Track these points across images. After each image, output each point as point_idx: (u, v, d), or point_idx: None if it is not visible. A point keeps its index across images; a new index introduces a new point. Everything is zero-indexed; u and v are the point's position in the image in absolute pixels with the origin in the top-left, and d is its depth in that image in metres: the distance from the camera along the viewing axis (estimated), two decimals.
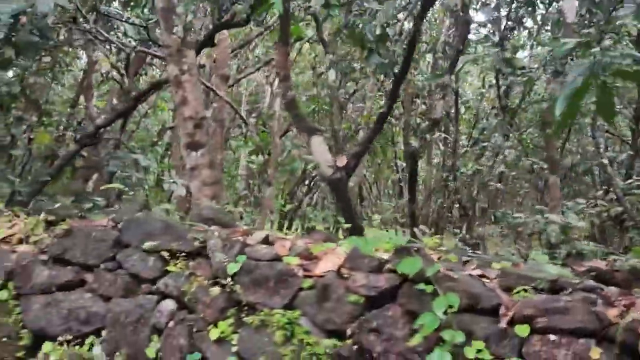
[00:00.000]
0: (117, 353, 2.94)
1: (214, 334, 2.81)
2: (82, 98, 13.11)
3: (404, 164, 12.37)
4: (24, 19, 3.67)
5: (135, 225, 3.26)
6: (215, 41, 5.53)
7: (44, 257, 3.43)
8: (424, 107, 11.00)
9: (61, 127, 13.55)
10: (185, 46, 3.97)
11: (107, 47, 8.63)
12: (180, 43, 3.94)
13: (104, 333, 3.10)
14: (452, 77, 4.97)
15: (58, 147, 12.14)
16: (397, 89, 4.12)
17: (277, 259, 2.89)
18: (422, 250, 2.56)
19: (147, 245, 3.11)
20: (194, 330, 2.88)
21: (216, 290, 2.82)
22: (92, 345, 3.13)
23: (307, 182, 14.74)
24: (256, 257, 2.90)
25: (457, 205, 8.14)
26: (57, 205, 3.80)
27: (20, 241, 3.61)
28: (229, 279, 2.85)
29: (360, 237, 3.05)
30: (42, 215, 3.73)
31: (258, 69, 10.34)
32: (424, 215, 11.20)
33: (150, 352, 2.92)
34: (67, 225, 3.41)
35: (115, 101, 10.41)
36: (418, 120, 12.52)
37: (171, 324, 2.94)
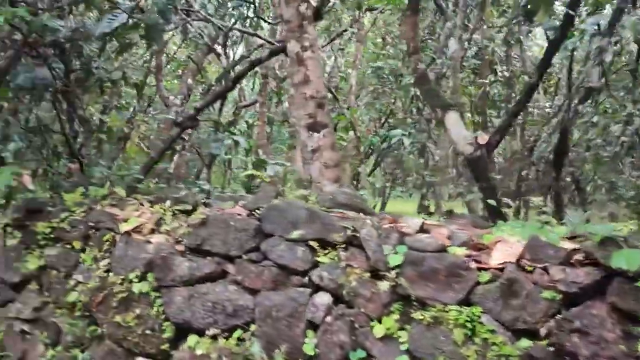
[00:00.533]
0: (277, 350, 2.80)
1: (378, 330, 2.62)
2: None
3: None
4: (142, 0, 3.52)
5: (276, 213, 3.09)
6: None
7: (181, 247, 3.33)
8: (505, 74, 10.39)
9: (131, 109, 13.78)
10: (306, 21, 3.73)
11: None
12: (302, 18, 3.70)
13: (252, 327, 2.97)
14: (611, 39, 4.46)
15: (130, 128, 12.37)
16: (551, 56, 3.72)
17: (443, 249, 2.65)
18: (629, 240, 2.25)
19: (295, 234, 2.94)
20: (356, 326, 2.70)
21: (382, 284, 2.61)
22: (239, 339, 3.01)
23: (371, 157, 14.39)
24: (419, 247, 2.67)
25: (568, 179, 7.62)
26: (182, 192, 3.69)
27: (152, 231, 3.53)
28: (392, 272, 2.64)
29: (528, 223, 2.77)
30: (169, 203, 3.64)
31: (332, 40, 9.99)
32: (505, 187, 10.69)
33: (308, 348, 2.76)
34: (202, 215, 3.28)
35: (190, 81, 10.39)
36: (499, 89, 11.93)
37: (329, 318, 2.76)
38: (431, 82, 3.74)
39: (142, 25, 3.65)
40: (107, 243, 3.51)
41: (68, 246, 3.68)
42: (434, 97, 3.74)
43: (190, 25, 5.07)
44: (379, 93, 12.70)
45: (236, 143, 5.24)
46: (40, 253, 3.73)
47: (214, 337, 3.05)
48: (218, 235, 3.19)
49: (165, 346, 3.19)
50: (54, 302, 3.64)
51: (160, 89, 11.53)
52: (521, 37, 9.97)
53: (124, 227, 3.51)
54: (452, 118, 3.68)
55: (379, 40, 13.98)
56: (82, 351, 3.42)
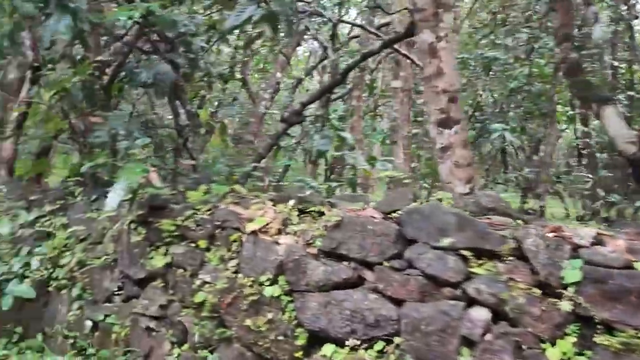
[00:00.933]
0: None
1: (552, 354, 2.32)
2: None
3: (584, 128, 10.99)
4: None
5: (419, 217, 2.85)
6: None
7: (313, 250, 3.17)
8: (615, 63, 9.59)
9: (215, 103, 14.01)
10: (442, 8, 3.45)
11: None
12: (437, 5, 3.42)
13: (397, 340, 2.76)
14: None
15: (215, 122, 12.59)
16: None
17: (630, 265, 2.31)
18: None
19: (446, 242, 2.69)
20: (522, 347, 2.42)
21: (563, 304, 2.31)
22: (380, 351, 2.81)
23: None
24: (601, 262, 2.34)
25: None
26: (308, 192, 3.54)
27: (279, 231, 3.40)
28: (569, 290, 2.34)
29: None
30: (292, 203, 3.50)
31: None
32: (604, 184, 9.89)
33: None
34: (337, 217, 3.10)
35: (279, 74, 10.36)
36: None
37: (488, 336, 2.50)
38: (584, 73, 3.37)
39: (269, 17, 3.51)
40: (235, 243, 3.41)
41: (192, 245, 3.63)
42: (588, 89, 3.35)
43: (298, 19, 4.93)
44: (467, 84, 12.11)
45: (342, 139, 5.08)
46: (165, 250, 3.71)
47: (353, 348, 2.87)
48: (355, 239, 3.00)
49: (298, 354, 3.05)
50: (180, 300, 3.61)
51: (246, 83, 11.59)
52: (631, 22, 9.13)
53: (250, 227, 3.40)
54: (610, 114, 3.29)
55: (466, 30, 13.35)
56: (211, 352, 3.35)
